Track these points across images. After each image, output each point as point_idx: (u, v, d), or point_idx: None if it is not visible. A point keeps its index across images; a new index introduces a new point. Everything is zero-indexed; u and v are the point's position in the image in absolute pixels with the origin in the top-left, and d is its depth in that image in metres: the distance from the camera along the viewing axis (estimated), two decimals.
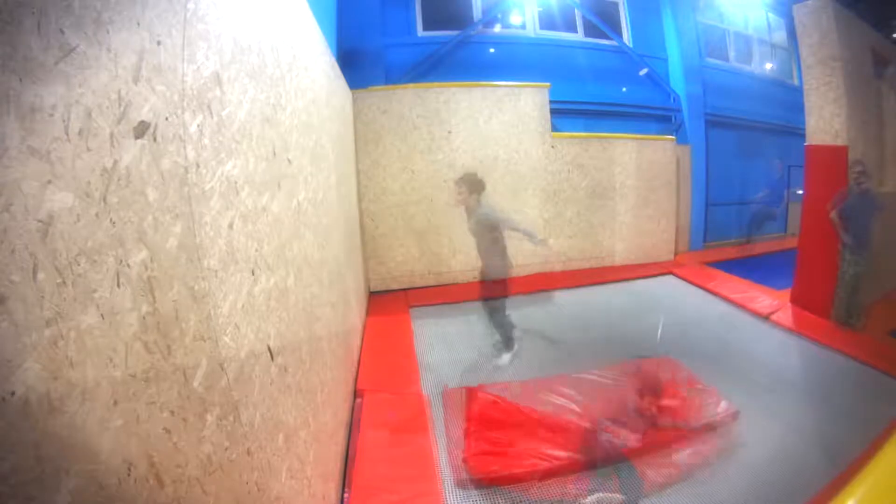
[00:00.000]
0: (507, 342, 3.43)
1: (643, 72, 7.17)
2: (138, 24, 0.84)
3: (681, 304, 5.09)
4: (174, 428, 0.84)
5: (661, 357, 3.47)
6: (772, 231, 8.42)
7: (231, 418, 1.08)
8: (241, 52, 1.37)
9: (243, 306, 1.22)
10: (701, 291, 5.44)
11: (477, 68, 6.36)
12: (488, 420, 2.70)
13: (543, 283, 5.64)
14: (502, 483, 2.33)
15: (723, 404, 2.89)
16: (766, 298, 4.89)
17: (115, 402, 0.70)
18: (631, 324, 4.52)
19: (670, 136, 6.74)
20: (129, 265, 0.76)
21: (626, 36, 7.25)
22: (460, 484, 2.35)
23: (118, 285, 0.73)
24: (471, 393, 2.97)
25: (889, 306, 4.69)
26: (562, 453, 2.46)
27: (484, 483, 2.34)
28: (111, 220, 0.73)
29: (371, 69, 5.79)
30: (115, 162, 0.75)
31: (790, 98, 8.05)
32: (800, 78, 5.64)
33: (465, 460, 2.42)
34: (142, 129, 0.82)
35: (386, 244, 5.38)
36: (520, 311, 4.81)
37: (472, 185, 3.29)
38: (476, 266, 5.73)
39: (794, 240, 5.27)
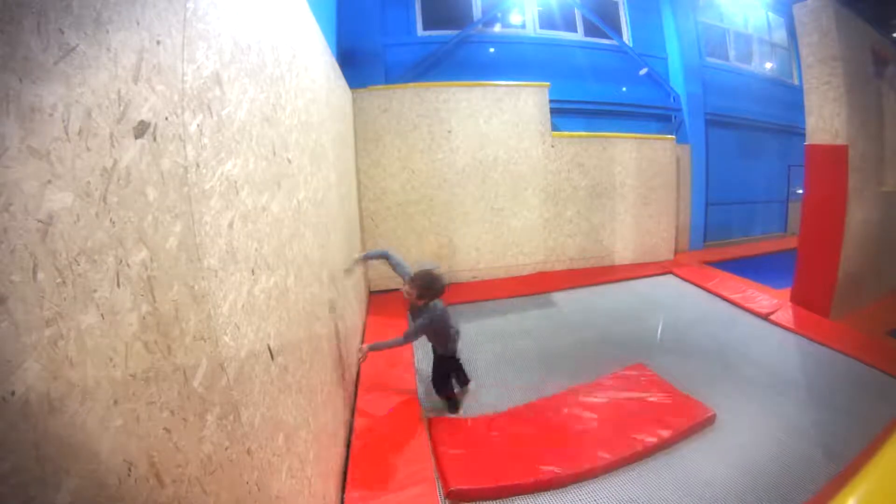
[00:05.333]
0: (451, 406, 3.03)
1: (643, 71, 7.16)
2: (138, 23, 0.84)
3: (681, 303, 5.09)
4: (174, 428, 0.84)
5: (632, 365, 3.46)
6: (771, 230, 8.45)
7: (231, 418, 1.08)
8: (241, 51, 1.37)
9: (243, 306, 1.22)
10: (701, 291, 5.45)
11: (477, 68, 6.36)
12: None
13: (543, 282, 5.64)
14: (492, 495, 2.32)
15: (698, 409, 2.88)
16: (766, 298, 4.89)
17: (115, 402, 0.70)
18: (631, 323, 4.52)
19: (670, 136, 6.74)
20: (129, 265, 0.76)
21: (626, 35, 7.25)
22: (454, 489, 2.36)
23: (118, 285, 0.73)
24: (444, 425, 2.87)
25: (889, 306, 4.69)
26: (549, 467, 2.43)
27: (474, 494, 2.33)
28: (111, 219, 0.73)
29: (371, 68, 5.79)
30: (115, 162, 0.75)
31: (790, 97, 8.05)
32: (800, 77, 5.64)
33: (448, 494, 2.31)
34: (142, 129, 0.82)
35: (386, 244, 5.38)
36: (520, 311, 4.82)
37: (428, 288, 2.71)
38: (476, 266, 5.77)
39: (795, 239, 5.27)
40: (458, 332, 3.01)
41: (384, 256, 2.96)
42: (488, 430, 2.77)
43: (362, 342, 3.87)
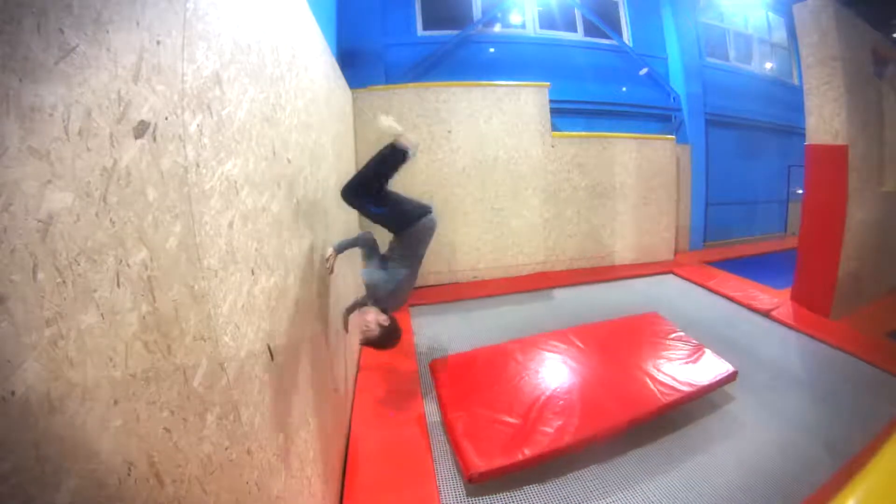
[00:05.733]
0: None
1: (643, 71, 7.16)
2: (138, 23, 0.84)
3: (681, 302, 5.09)
4: (174, 427, 0.84)
5: (645, 313, 3.43)
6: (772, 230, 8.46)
7: (231, 418, 1.08)
8: (241, 51, 1.37)
9: (243, 306, 1.22)
10: (701, 290, 5.45)
11: (477, 68, 6.36)
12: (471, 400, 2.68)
13: (543, 281, 5.64)
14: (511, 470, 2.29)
15: (720, 364, 2.93)
16: (767, 297, 4.89)
17: (115, 402, 0.70)
18: None
19: (670, 136, 6.74)
20: (129, 265, 0.76)
21: (626, 35, 7.25)
22: (456, 484, 2.36)
23: (118, 285, 0.73)
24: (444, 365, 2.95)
25: (889, 306, 4.69)
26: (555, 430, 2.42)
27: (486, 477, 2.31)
28: (111, 219, 0.73)
29: (371, 69, 5.79)
30: (115, 162, 0.75)
31: (790, 97, 8.05)
32: (800, 77, 5.64)
33: (470, 478, 2.23)
34: (141, 129, 0.82)
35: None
36: (520, 309, 4.82)
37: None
38: (476, 266, 5.77)
39: (795, 239, 5.27)
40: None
41: (359, 242, 2.60)
42: (494, 371, 2.80)
43: (361, 351, 3.84)
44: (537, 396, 2.69)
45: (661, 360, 2.92)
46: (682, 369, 2.83)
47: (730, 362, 3.05)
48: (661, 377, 2.77)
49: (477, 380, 2.85)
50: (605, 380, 2.79)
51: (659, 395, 2.62)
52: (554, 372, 2.90)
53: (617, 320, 3.37)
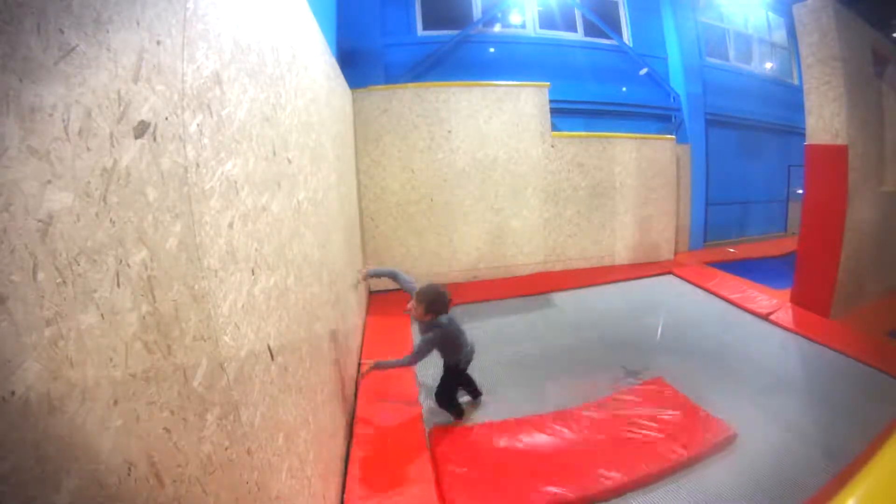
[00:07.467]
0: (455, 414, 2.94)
1: (643, 71, 7.16)
2: (138, 23, 0.84)
3: (680, 303, 5.09)
4: (174, 427, 0.84)
5: (650, 380, 3.30)
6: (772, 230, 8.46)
7: (231, 418, 1.08)
8: (241, 51, 1.36)
9: (243, 306, 1.22)
10: (701, 291, 5.45)
11: (477, 68, 6.36)
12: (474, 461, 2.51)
13: (543, 282, 5.64)
14: None
15: (718, 426, 2.73)
16: (766, 298, 4.89)
17: (115, 402, 0.70)
18: (631, 323, 4.52)
19: (670, 136, 6.75)
20: (129, 265, 0.76)
21: (626, 35, 7.25)
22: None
23: (118, 285, 0.73)
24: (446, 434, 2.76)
25: (889, 306, 4.69)
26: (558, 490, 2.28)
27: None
28: (111, 219, 0.73)
29: (371, 69, 5.80)
30: (115, 162, 0.75)
31: (790, 97, 8.05)
32: (800, 77, 5.64)
33: None
34: (142, 129, 0.82)
35: (386, 244, 5.39)
36: (520, 311, 4.82)
37: (433, 302, 2.67)
38: (476, 266, 5.77)
39: (794, 239, 5.27)
40: (472, 347, 2.93)
41: (392, 275, 3.00)
42: (493, 445, 2.65)
43: (362, 342, 3.86)
44: (545, 464, 2.51)
45: (660, 430, 2.73)
46: (679, 438, 2.64)
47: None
48: (663, 449, 2.59)
49: (475, 447, 2.65)
50: (603, 451, 2.60)
51: (661, 460, 2.48)
52: (563, 445, 2.70)
53: (623, 392, 3.21)
